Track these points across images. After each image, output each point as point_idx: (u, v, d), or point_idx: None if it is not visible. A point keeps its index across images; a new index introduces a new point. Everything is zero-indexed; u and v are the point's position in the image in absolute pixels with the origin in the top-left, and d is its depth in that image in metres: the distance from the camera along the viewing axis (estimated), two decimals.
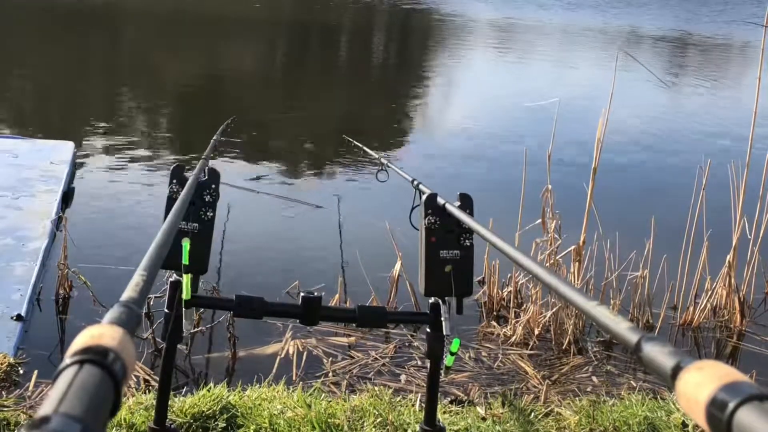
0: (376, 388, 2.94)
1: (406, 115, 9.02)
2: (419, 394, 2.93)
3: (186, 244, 1.94)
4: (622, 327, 0.81)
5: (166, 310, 2.05)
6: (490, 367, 3.38)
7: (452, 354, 2.06)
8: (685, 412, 0.63)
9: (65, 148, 5.72)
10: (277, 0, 19.67)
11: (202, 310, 3.40)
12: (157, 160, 6.57)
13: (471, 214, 2.04)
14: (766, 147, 4.25)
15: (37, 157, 5.43)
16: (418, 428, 2.40)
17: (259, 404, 2.66)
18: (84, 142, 6.67)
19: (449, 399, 3.02)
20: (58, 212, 4.46)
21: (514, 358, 3.47)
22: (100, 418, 0.53)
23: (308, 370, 3.24)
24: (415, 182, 2.29)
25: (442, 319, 2.04)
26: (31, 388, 2.85)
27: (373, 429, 2.52)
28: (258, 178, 6.07)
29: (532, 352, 3.54)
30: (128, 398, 2.67)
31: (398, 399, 2.89)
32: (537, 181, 3.80)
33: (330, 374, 3.20)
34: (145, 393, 2.76)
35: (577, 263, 3.70)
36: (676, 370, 0.67)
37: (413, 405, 2.81)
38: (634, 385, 3.29)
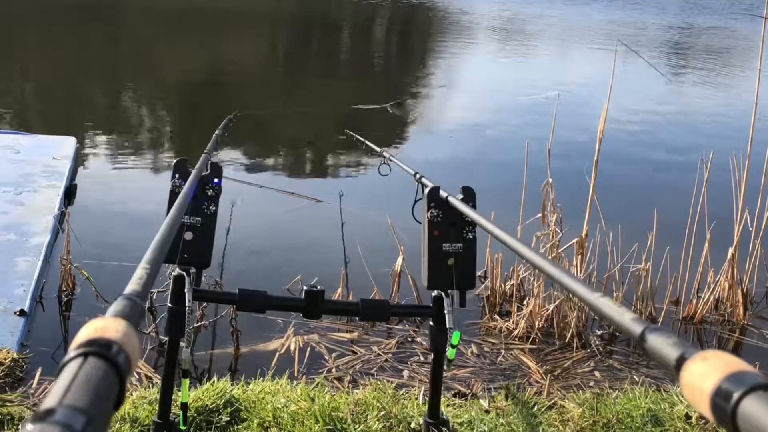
0: (379, 382, 2.94)
1: (408, 109, 9.00)
2: (422, 388, 2.93)
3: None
4: (626, 318, 0.81)
5: (170, 305, 2.05)
6: (492, 362, 3.38)
7: (453, 347, 2.06)
8: (689, 402, 0.63)
9: (67, 144, 5.72)
10: None
11: (204, 304, 3.41)
12: (160, 155, 6.57)
13: (474, 207, 2.05)
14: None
15: (39, 153, 5.43)
16: (421, 421, 2.41)
17: (263, 398, 2.66)
18: (86, 138, 6.67)
19: (452, 393, 3.02)
20: (61, 208, 4.46)
21: (516, 353, 3.47)
22: (105, 410, 0.53)
23: (311, 365, 3.24)
24: (418, 175, 2.29)
25: (445, 312, 2.04)
26: (34, 385, 2.85)
27: (377, 422, 2.52)
28: (260, 172, 6.07)
29: (534, 346, 3.54)
30: (131, 392, 2.67)
31: (401, 393, 2.89)
32: (539, 174, 3.79)
33: (333, 370, 3.20)
34: (148, 388, 2.76)
35: (579, 256, 3.70)
36: (681, 360, 0.67)
37: (416, 398, 2.81)
38: (637, 379, 3.28)
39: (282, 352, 3.32)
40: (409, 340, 3.50)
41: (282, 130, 7.87)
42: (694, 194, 3.96)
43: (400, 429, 2.53)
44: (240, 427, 2.50)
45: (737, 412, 0.57)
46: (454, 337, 2.04)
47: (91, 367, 0.56)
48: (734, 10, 21.44)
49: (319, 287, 2.07)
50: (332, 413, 2.54)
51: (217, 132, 2.84)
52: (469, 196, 2.10)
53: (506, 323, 3.67)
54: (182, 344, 2.02)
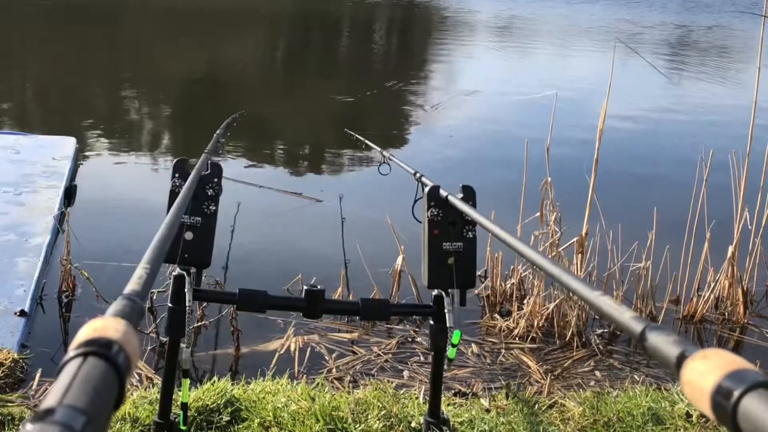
0: (380, 382, 2.94)
1: (407, 109, 9.00)
2: (423, 388, 2.93)
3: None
4: (626, 317, 0.81)
5: (170, 305, 2.05)
6: (492, 362, 3.37)
7: (454, 346, 2.06)
8: (689, 401, 0.63)
9: (67, 144, 5.72)
10: None
11: (205, 304, 3.40)
12: (160, 155, 6.57)
13: (474, 206, 2.04)
14: (767, 137, 4.24)
15: (38, 153, 5.43)
16: (422, 420, 2.41)
17: (263, 397, 2.66)
18: (85, 138, 6.67)
19: (453, 392, 3.02)
20: (61, 208, 4.46)
21: (517, 352, 3.46)
22: (105, 410, 0.53)
23: (311, 365, 3.24)
24: (418, 174, 2.29)
25: (446, 311, 2.04)
26: (35, 386, 2.85)
27: (378, 421, 2.52)
28: (259, 172, 6.07)
29: (534, 345, 3.54)
30: (132, 393, 2.67)
31: (402, 392, 2.89)
32: (539, 173, 3.79)
33: (333, 370, 3.20)
34: (148, 388, 2.76)
35: (579, 254, 3.70)
36: (681, 358, 0.67)
37: (417, 398, 2.81)
38: (637, 378, 3.28)
39: (282, 352, 3.32)
40: (410, 340, 3.50)
41: (282, 129, 7.86)
42: (693, 193, 3.96)
43: (400, 428, 2.53)
44: (240, 426, 2.50)
45: (738, 410, 0.57)
46: (455, 336, 2.04)
47: (91, 366, 0.55)
48: (734, 8, 21.44)
49: (319, 287, 2.07)
50: (333, 413, 2.54)
51: (218, 132, 2.84)
52: (469, 195, 2.10)
53: (506, 322, 3.67)
54: (182, 344, 2.01)
